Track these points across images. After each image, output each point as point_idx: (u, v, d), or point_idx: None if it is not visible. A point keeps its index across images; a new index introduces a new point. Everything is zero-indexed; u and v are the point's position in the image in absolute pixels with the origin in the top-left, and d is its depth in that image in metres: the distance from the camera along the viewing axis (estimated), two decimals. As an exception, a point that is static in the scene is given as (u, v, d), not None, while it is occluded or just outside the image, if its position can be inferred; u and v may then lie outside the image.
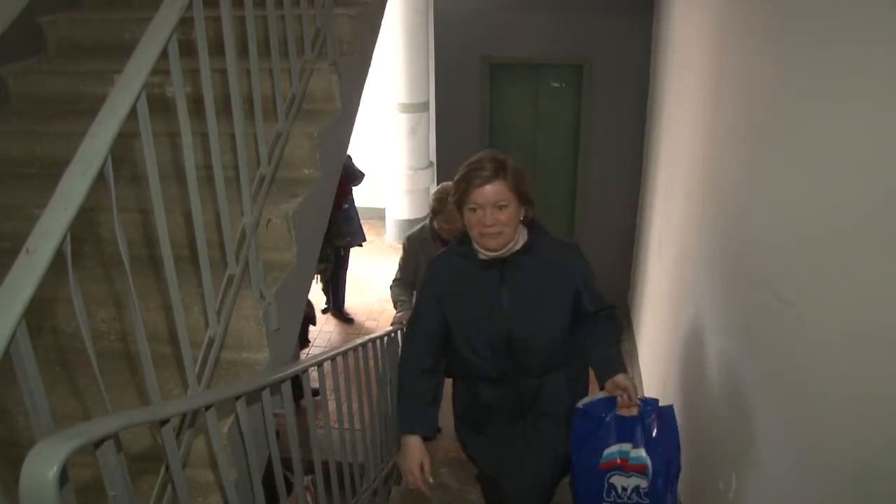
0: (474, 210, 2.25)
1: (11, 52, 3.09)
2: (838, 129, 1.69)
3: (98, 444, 1.28)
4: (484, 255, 2.37)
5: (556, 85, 7.56)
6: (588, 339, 2.42)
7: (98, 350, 1.53)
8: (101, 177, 1.45)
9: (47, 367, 2.06)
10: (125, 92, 1.55)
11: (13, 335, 1.19)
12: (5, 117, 2.98)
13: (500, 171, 2.21)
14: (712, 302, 2.94)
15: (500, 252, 2.33)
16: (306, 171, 2.67)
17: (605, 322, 2.45)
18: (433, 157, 8.55)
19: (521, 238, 2.37)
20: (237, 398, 1.88)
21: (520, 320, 2.36)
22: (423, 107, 8.33)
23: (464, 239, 2.43)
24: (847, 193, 1.62)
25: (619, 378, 2.27)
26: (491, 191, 2.21)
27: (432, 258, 2.66)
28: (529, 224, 2.40)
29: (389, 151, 8.63)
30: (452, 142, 7.53)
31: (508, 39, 7.33)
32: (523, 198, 2.29)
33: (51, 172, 2.66)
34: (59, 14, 3.30)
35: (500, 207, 2.23)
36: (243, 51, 2.13)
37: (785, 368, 1.99)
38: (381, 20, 3.61)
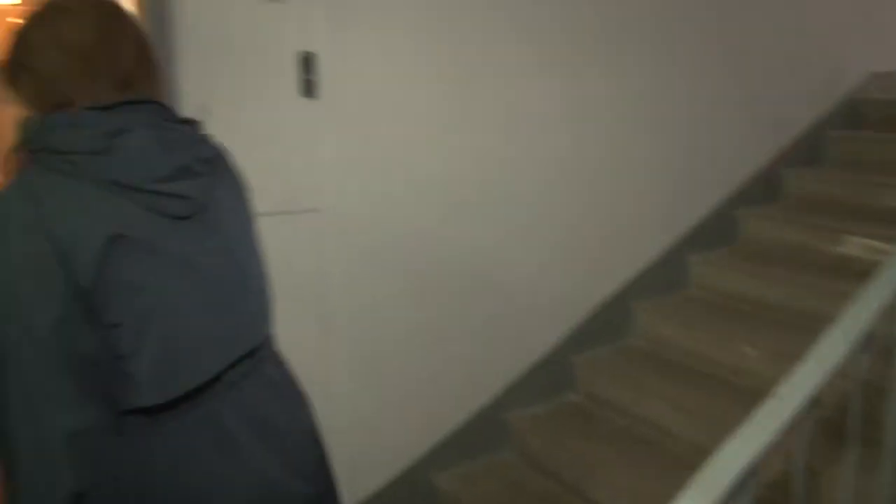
0: None
1: (751, 197, 3.37)
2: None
3: None
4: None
5: None
6: None
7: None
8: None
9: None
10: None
11: (743, 479, 1.18)
12: (733, 260, 3.19)
13: None
14: None
15: None
16: None
17: None
18: None
19: None
20: None
21: None
22: None
23: None
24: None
25: None
26: None
27: None
28: None
29: None
30: None
31: None
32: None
33: (760, 314, 2.77)
34: (799, 169, 3.48)
35: None
36: None
37: None
38: None
